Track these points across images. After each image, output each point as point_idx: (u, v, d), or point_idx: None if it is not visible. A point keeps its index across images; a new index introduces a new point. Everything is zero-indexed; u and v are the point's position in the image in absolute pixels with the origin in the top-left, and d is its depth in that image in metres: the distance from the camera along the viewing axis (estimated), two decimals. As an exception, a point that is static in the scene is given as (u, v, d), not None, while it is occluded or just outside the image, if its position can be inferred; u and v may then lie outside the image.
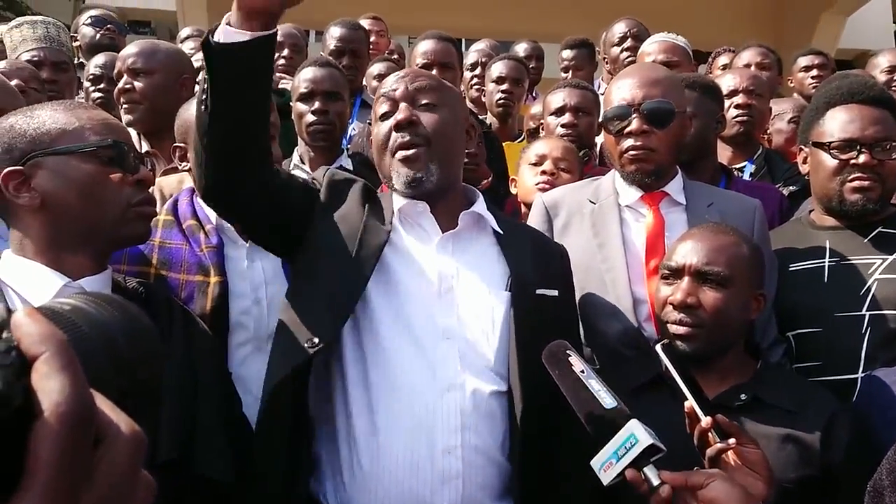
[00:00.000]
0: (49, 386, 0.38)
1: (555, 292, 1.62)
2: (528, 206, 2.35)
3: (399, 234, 1.58)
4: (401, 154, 1.57)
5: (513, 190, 2.59)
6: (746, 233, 1.81)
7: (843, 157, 1.89)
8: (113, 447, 0.41)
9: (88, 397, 0.40)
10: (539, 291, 1.58)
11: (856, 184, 1.88)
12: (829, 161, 1.91)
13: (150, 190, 1.48)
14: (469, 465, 1.42)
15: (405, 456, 1.40)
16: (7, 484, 0.37)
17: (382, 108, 1.61)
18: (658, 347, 1.53)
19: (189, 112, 1.85)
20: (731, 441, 1.29)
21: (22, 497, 0.36)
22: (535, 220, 2.03)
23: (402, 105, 1.58)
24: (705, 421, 1.31)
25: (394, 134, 1.57)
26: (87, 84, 3.20)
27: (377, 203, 1.62)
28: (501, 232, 1.63)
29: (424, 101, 1.59)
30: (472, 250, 1.60)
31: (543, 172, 2.42)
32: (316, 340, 1.41)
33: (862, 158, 1.86)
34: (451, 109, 1.64)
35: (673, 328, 1.57)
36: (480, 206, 1.64)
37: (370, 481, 1.40)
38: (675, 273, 1.61)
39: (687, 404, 1.35)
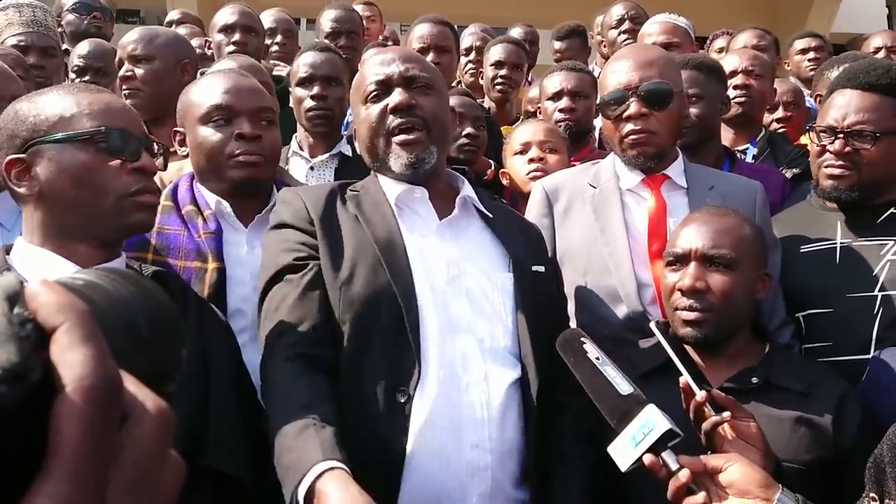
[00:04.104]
0: (70, 358, 0.35)
1: (542, 268, 1.64)
2: (523, 195, 2.32)
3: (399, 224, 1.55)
4: (400, 138, 1.55)
5: (504, 182, 2.56)
6: (748, 215, 1.80)
7: (823, 143, 1.89)
8: (139, 425, 0.38)
9: (114, 370, 0.37)
10: (534, 268, 1.60)
11: (828, 171, 1.88)
12: (815, 146, 1.93)
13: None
14: (496, 456, 1.41)
15: (435, 450, 1.38)
16: (27, 466, 0.34)
17: (371, 89, 1.58)
18: (652, 325, 1.51)
19: (188, 96, 1.81)
20: (727, 414, 1.29)
21: (47, 480, 0.34)
22: (535, 207, 2.01)
23: (398, 89, 1.55)
24: (700, 395, 1.31)
25: (390, 117, 1.55)
26: (72, 75, 3.14)
27: (357, 200, 1.58)
28: (491, 215, 1.63)
29: (418, 85, 1.58)
30: (467, 235, 1.60)
31: (532, 160, 2.39)
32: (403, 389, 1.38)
33: (834, 146, 1.85)
34: (442, 93, 1.64)
35: (683, 314, 1.56)
36: (469, 190, 1.64)
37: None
38: (681, 259, 1.60)
39: (682, 380, 1.35)
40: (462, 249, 1.56)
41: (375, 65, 1.61)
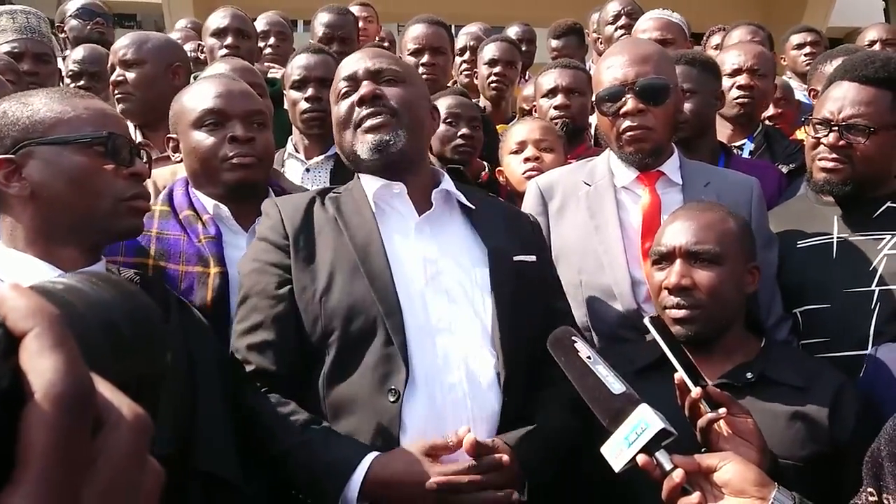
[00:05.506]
0: (40, 365, 0.34)
1: (533, 258, 1.62)
2: (518, 194, 2.31)
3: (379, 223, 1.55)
4: (367, 123, 1.55)
5: (501, 180, 2.55)
6: (744, 211, 1.79)
7: (817, 135, 1.87)
8: (115, 433, 0.37)
9: (86, 376, 0.36)
10: (517, 258, 1.58)
11: (821, 164, 1.86)
12: (810, 138, 1.91)
13: (145, 183, 1.46)
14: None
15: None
16: None
17: (342, 86, 1.61)
18: (646, 321, 1.50)
19: (180, 102, 1.81)
20: (722, 411, 1.29)
21: (15, 490, 0.33)
22: (529, 205, 2.01)
23: (365, 82, 1.58)
24: (695, 391, 1.30)
25: (356, 110, 1.56)
26: (67, 81, 3.15)
27: (338, 203, 1.58)
28: (472, 206, 1.62)
29: (387, 78, 1.60)
30: (447, 230, 1.59)
31: (527, 159, 2.38)
32: (394, 389, 1.39)
33: (828, 139, 1.84)
34: (414, 86, 1.65)
35: (671, 313, 1.55)
36: (448, 183, 1.64)
37: None
38: (666, 257, 1.59)
39: (677, 376, 1.34)
40: (441, 246, 1.55)
41: (345, 64, 1.66)
